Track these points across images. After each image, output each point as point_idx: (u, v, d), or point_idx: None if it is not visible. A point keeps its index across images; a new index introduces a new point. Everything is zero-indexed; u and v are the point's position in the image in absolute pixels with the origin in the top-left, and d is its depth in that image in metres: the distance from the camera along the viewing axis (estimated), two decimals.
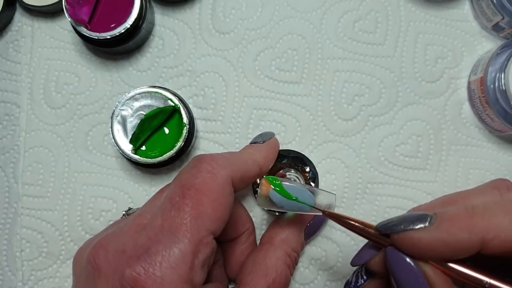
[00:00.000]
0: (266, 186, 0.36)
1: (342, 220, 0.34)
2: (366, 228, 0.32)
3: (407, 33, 0.48)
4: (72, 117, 0.48)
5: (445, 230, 0.28)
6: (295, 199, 0.36)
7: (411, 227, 0.29)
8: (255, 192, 0.44)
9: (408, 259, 0.29)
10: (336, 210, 0.37)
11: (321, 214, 0.36)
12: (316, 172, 0.44)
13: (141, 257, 0.30)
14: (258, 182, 0.37)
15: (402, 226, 0.29)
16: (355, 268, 0.37)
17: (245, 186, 0.37)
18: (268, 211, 0.45)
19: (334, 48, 0.48)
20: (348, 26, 0.48)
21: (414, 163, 0.46)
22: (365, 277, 0.35)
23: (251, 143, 0.43)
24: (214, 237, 0.32)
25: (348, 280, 0.37)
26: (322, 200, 0.36)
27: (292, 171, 0.44)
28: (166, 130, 0.44)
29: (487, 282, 0.28)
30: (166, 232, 0.31)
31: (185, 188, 0.32)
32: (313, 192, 0.36)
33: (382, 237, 0.31)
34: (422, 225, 0.29)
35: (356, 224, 0.33)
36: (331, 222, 0.45)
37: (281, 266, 0.38)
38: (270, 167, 0.40)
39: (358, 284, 0.35)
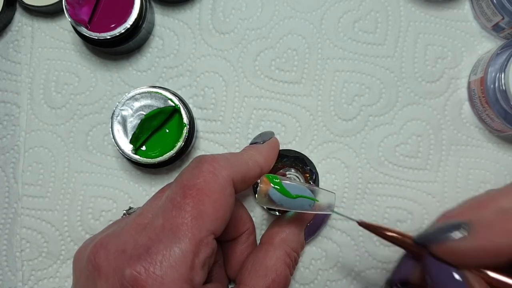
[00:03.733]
0: (265, 184, 0.36)
1: (377, 231, 0.34)
2: (404, 238, 0.32)
3: (407, 33, 0.48)
4: (72, 117, 0.48)
5: (483, 237, 0.28)
6: (295, 197, 0.36)
7: (448, 237, 0.29)
8: (256, 192, 0.44)
9: (450, 268, 0.29)
10: (336, 210, 0.37)
11: (320, 213, 0.36)
12: (317, 172, 0.44)
13: (141, 256, 0.30)
14: (259, 180, 0.37)
15: (440, 237, 0.29)
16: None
17: (246, 187, 0.37)
18: (268, 210, 0.45)
19: (334, 48, 0.48)
20: (348, 26, 0.48)
21: (414, 163, 0.46)
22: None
23: (251, 143, 0.43)
24: (214, 237, 0.32)
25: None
26: (322, 199, 0.36)
27: (292, 171, 0.44)
28: (166, 130, 0.44)
29: None
30: (167, 231, 0.31)
31: (187, 188, 0.32)
32: (312, 191, 0.36)
33: (419, 247, 0.31)
34: (459, 234, 0.28)
35: (394, 234, 0.33)
36: (331, 222, 0.45)
37: (280, 266, 0.38)
38: (271, 168, 0.40)
39: None
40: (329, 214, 0.45)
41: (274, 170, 0.43)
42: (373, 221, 0.37)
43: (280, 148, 0.44)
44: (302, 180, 0.43)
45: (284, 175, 0.43)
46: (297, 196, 0.36)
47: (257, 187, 0.36)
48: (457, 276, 0.28)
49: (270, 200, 0.36)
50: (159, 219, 0.31)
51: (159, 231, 0.31)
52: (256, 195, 0.36)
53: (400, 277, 0.34)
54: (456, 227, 0.29)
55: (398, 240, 0.33)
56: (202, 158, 0.34)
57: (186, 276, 0.30)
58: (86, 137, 0.47)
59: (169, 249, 0.30)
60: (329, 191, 0.37)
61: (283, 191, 0.35)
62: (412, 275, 0.33)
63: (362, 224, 0.35)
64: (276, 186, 0.35)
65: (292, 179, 0.43)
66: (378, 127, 0.47)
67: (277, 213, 0.44)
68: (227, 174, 0.33)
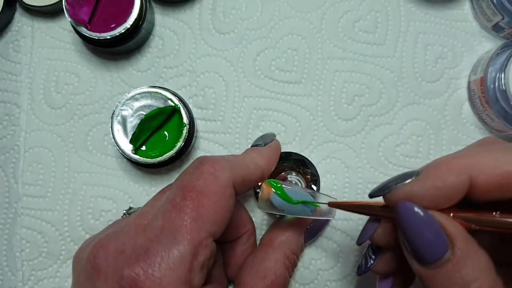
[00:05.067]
0: (267, 190, 0.36)
1: (346, 207, 0.35)
2: (370, 204, 0.33)
3: (407, 33, 0.47)
4: (72, 117, 0.48)
5: (433, 175, 0.28)
6: (296, 203, 0.35)
7: (400, 184, 0.29)
8: (256, 194, 0.44)
9: (417, 208, 0.28)
10: (337, 211, 0.37)
11: (321, 218, 0.36)
12: (318, 175, 0.44)
13: (140, 258, 0.30)
14: (260, 184, 0.37)
15: (392, 185, 0.30)
16: (362, 269, 0.37)
17: (246, 189, 0.36)
18: (269, 213, 0.45)
19: (334, 48, 0.48)
20: (348, 26, 0.48)
21: (414, 163, 0.46)
22: (373, 256, 0.35)
23: (252, 145, 0.42)
24: (214, 239, 0.32)
25: (359, 264, 0.37)
26: (323, 205, 0.36)
27: (294, 174, 0.43)
28: (165, 133, 0.44)
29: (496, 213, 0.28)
30: (166, 233, 0.31)
31: (186, 189, 0.32)
32: (314, 196, 0.36)
33: (384, 209, 0.32)
34: (409, 180, 0.29)
35: (360, 204, 0.34)
36: (331, 222, 0.45)
37: (280, 268, 0.38)
38: (272, 171, 0.40)
39: (368, 265, 0.36)
40: (331, 219, 0.45)
41: (275, 173, 0.43)
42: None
43: (281, 150, 0.43)
44: (303, 183, 0.43)
45: (285, 178, 0.43)
46: (299, 202, 0.35)
47: (258, 191, 0.36)
48: (421, 212, 0.28)
49: (272, 205, 0.36)
50: (158, 220, 0.31)
51: (159, 232, 0.31)
52: (258, 200, 0.36)
53: (364, 238, 0.35)
54: (408, 174, 0.30)
55: (364, 208, 0.33)
56: (203, 159, 0.34)
57: (185, 278, 0.30)
58: (86, 137, 0.47)
59: (168, 251, 0.30)
60: (330, 197, 0.37)
61: (284, 196, 0.35)
62: (376, 236, 0.34)
63: (332, 204, 0.35)
64: (277, 192, 0.35)
65: (294, 183, 0.43)
66: (378, 127, 0.47)
67: (277, 215, 0.44)
68: (228, 176, 0.33)
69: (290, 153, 0.45)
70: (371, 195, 0.32)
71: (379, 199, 0.32)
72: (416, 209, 0.28)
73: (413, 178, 0.29)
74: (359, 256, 0.45)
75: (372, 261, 0.35)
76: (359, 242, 0.36)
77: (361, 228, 0.45)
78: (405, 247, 0.29)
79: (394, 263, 0.35)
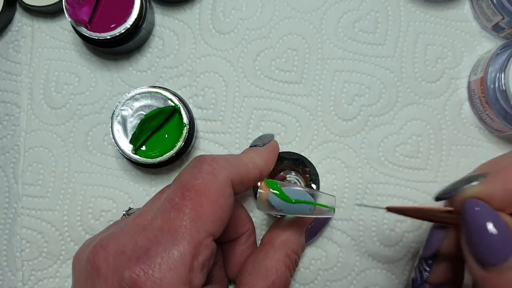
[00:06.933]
0: (265, 190, 0.35)
1: (405, 211, 0.34)
2: (431, 209, 0.32)
3: (407, 33, 0.47)
4: (72, 117, 0.48)
5: (502, 177, 0.28)
6: (294, 202, 0.35)
7: (468, 185, 0.29)
8: (256, 194, 0.44)
9: (485, 206, 0.28)
10: (337, 211, 0.37)
11: (315, 217, 0.36)
12: (317, 174, 0.44)
13: (140, 258, 0.30)
14: (258, 185, 0.37)
15: (460, 187, 0.30)
16: (417, 282, 0.37)
17: (245, 189, 0.36)
18: (269, 213, 0.45)
19: (334, 48, 0.48)
20: (348, 26, 0.48)
21: (414, 163, 0.46)
22: (427, 268, 0.35)
23: (250, 146, 0.42)
24: (213, 239, 0.32)
25: (412, 278, 0.37)
26: (322, 202, 0.36)
27: (293, 173, 0.43)
28: (166, 135, 0.44)
29: None
30: (166, 233, 0.30)
31: (185, 189, 0.32)
32: (312, 195, 0.36)
33: (446, 214, 0.31)
34: (474, 183, 0.29)
35: (421, 209, 0.33)
36: (331, 222, 0.45)
37: (281, 268, 0.38)
38: (270, 170, 0.40)
39: (424, 278, 0.35)
40: (330, 217, 0.45)
41: (274, 173, 0.43)
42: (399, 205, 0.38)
43: (280, 150, 0.43)
44: (302, 183, 0.43)
45: (284, 177, 0.43)
46: (297, 201, 0.35)
47: (257, 192, 0.36)
48: (488, 211, 0.28)
49: (270, 205, 0.36)
50: (158, 221, 0.31)
51: (158, 232, 0.31)
52: (256, 201, 0.36)
53: (432, 250, 0.34)
54: (473, 177, 0.30)
55: (426, 213, 0.33)
56: (201, 158, 0.34)
57: (185, 278, 0.30)
58: (86, 137, 0.47)
59: (167, 251, 0.30)
60: (329, 195, 0.37)
61: (283, 196, 0.35)
62: (442, 245, 0.33)
63: (391, 209, 0.34)
64: (275, 192, 0.35)
65: (292, 182, 0.43)
66: (378, 127, 0.47)
67: (278, 215, 0.44)
68: (226, 175, 0.33)
69: (288, 153, 0.45)
70: (438, 198, 0.32)
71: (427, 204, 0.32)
72: (484, 206, 0.28)
73: (481, 179, 0.29)
74: (359, 256, 0.45)
75: (427, 273, 0.35)
76: (426, 254, 0.35)
77: (361, 228, 0.45)
78: (467, 248, 0.29)
79: (448, 273, 0.34)
